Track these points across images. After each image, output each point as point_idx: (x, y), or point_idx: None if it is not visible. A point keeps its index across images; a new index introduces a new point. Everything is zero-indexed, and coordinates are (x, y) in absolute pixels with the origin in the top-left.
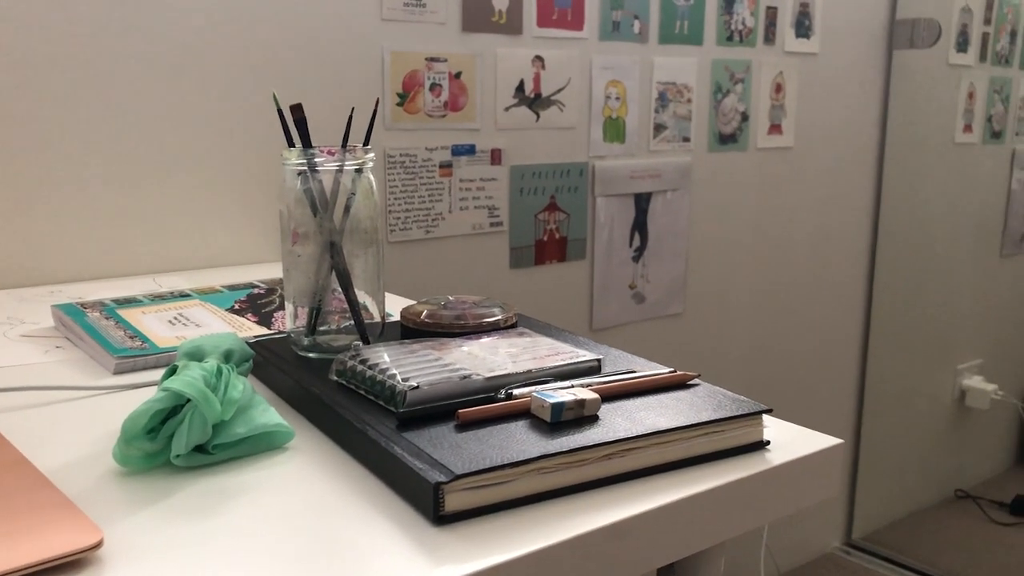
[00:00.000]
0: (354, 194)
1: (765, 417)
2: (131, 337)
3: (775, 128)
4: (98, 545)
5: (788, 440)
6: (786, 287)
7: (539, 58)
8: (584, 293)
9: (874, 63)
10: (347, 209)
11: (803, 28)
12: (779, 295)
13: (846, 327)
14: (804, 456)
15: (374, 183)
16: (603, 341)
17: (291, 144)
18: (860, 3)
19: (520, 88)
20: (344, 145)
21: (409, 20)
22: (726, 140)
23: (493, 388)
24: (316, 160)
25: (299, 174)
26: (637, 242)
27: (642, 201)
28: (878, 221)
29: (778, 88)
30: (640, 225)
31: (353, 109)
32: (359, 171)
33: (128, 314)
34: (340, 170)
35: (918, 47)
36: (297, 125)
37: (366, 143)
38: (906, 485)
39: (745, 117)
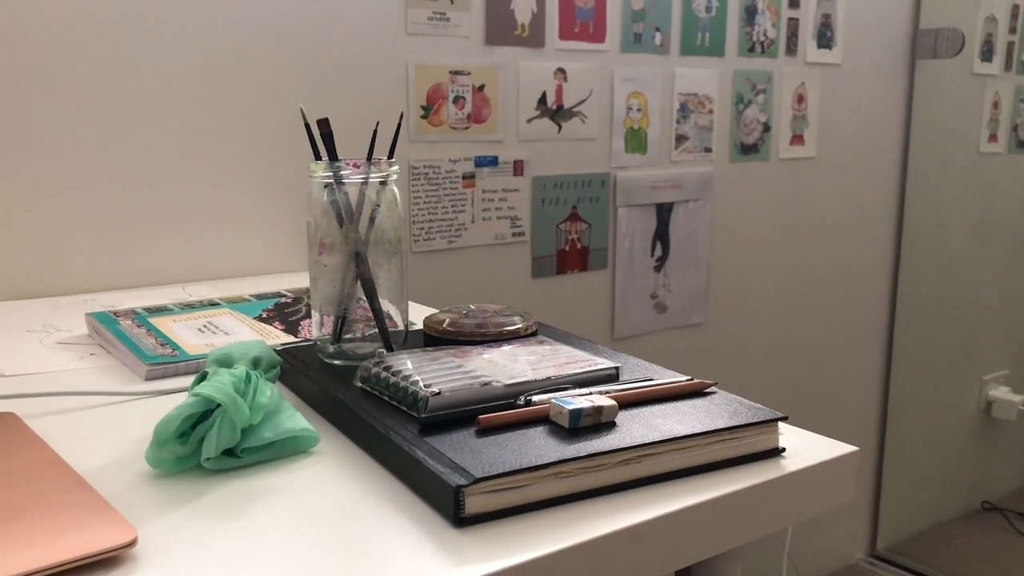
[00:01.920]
0: (379, 206)
1: (781, 425)
2: (162, 344)
3: (797, 139)
4: (132, 543)
5: (803, 447)
6: (809, 297)
7: (561, 70)
8: (606, 302)
9: (897, 73)
10: (372, 220)
11: (825, 39)
12: (802, 305)
13: (870, 337)
14: (819, 463)
15: (398, 195)
16: (625, 350)
17: (318, 157)
18: (882, 13)
19: (542, 100)
20: (369, 158)
21: (433, 34)
22: (748, 150)
23: (513, 395)
24: (342, 173)
25: (326, 186)
26: (659, 252)
27: (664, 211)
28: (901, 231)
29: (800, 99)
30: (662, 235)
31: (378, 123)
32: (383, 183)
33: (159, 322)
34: (365, 182)
35: (942, 57)
36: (324, 139)
37: (390, 156)
38: (931, 496)
39: (767, 127)
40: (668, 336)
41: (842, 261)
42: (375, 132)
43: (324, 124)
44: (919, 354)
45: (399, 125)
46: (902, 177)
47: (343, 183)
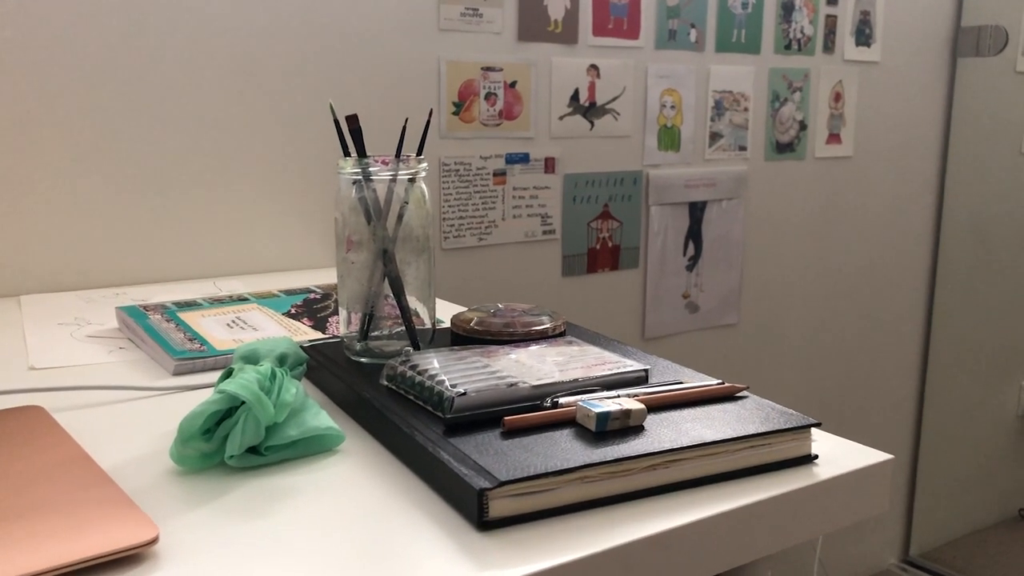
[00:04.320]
0: (407, 203)
1: (814, 431)
2: (190, 339)
3: (834, 137)
4: (154, 541)
5: (837, 454)
6: (844, 298)
7: (594, 67)
8: (637, 302)
9: (937, 71)
10: (400, 218)
11: (863, 36)
12: (836, 306)
13: (906, 339)
14: (852, 471)
15: (426, 192)
16: (655, 351)
17: (347, 153)
18: (923, 11)
19: (575, 97)
20: (398, 155)
21: (466, 30)
22: (783, 149)
23: (539, 396)
24: (370, 170)
25: (354, 183)
26: (691, 251)
27: (697, 210)
28: (940, 232)
29: (837, 97)
30: (694, 234)
31: (407, 120)
32: (412, 180)
33: (188, 317)
34: (393, 179)
35: (984, 55)
36: (353, 135)
37: (419, 153)
38: (967, 503)
39: (803, 126)
40: (700, 337)
41: (878, 263)
42: (404, 129)
43: (353, 120)
44: (956, 357)
45: (428, 122)
46: (941, 178)
47: (371, 180)
